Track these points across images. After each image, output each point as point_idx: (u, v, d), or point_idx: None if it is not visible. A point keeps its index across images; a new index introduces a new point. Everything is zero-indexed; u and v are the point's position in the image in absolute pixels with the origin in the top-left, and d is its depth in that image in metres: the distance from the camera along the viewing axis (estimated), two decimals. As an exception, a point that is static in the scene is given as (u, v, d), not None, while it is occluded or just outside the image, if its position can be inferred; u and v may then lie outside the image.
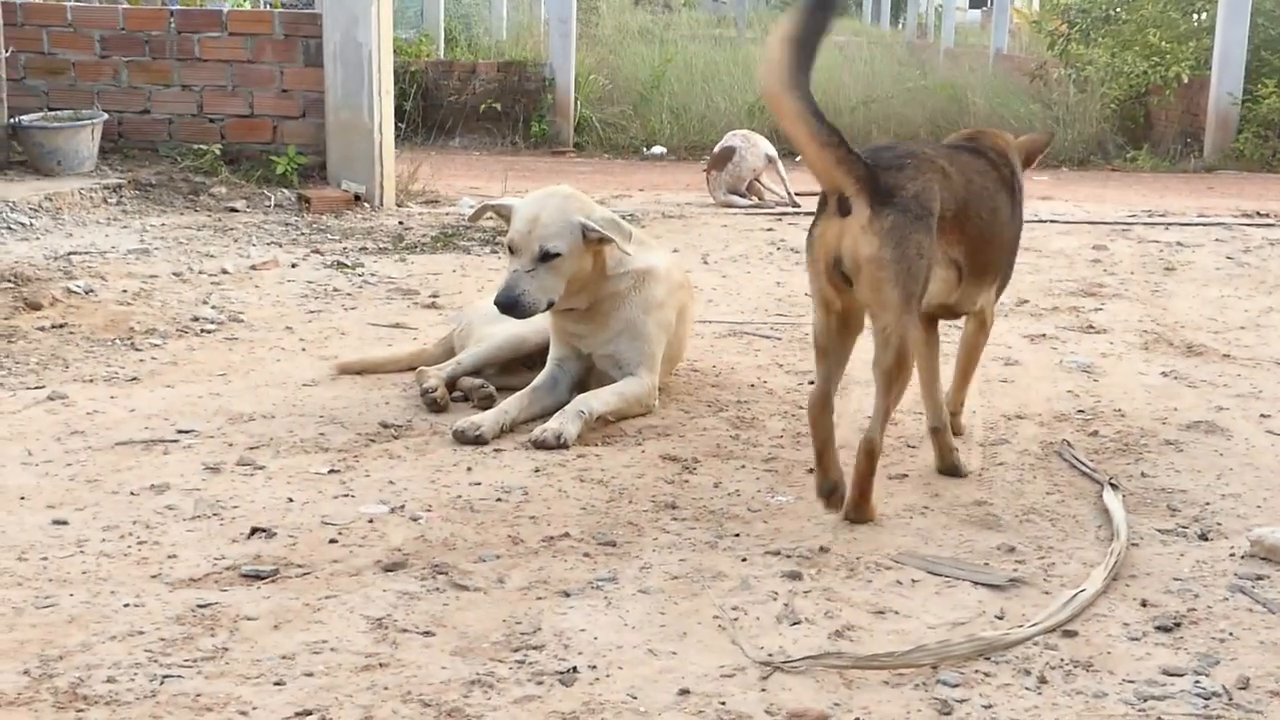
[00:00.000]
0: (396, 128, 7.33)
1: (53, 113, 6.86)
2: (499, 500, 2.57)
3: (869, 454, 2.52)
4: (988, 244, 2.68)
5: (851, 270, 2.43)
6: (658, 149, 11.08)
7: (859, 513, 2.56)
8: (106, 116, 6.93)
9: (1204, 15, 11.58)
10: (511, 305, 3.02)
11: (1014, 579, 2.28)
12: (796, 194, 7.76)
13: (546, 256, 3.05)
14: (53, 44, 7.10)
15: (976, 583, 2.25)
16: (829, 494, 2.57)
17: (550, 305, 3.10)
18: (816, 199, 2.53)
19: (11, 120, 6.68)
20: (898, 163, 2.44)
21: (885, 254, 2.37)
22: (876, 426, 2.52)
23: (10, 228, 5.54)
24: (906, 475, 2.86)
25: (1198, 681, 1.91)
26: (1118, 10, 12.23)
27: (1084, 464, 2.95)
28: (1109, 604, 2.20)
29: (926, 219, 2.45)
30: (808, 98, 2.33)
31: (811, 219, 2.54)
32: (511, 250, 3.09)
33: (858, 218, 2.39)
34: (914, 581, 2.25)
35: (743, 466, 2.84)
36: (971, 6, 24.70)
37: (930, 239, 2.46)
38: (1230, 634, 2.09)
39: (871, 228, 2.37)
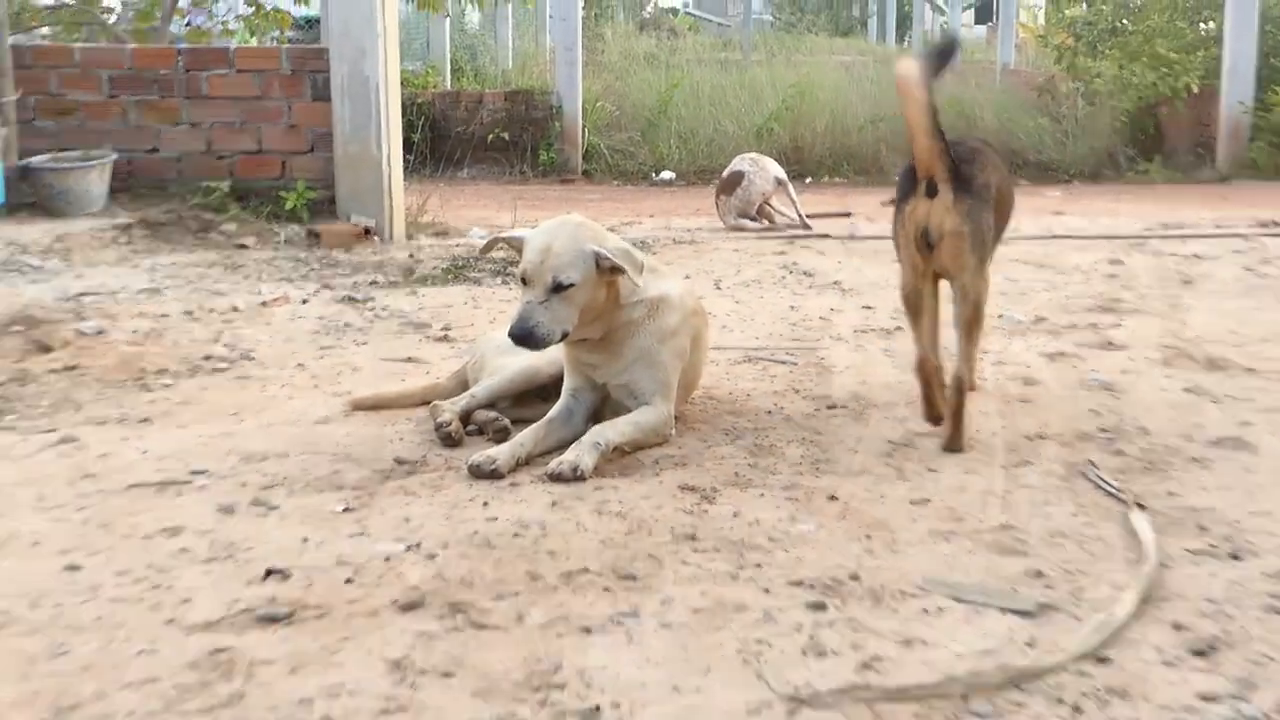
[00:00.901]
0: (405, 160, 7.30)
1: (62, 153, 6.90)
2: (516, 535, 2.54)
3: (959, 389, 3.15)
4: (1004, 219, 3.45)
5: (935, 240, 3.13)
6: (666, 174, 11.09)
7: (954, 442, 3.16)
8: (116, 156, 6.96)
9: (1211, 24, 11.56)
10: (525, 337, 3.00)
11: (1043, 604, 2.24)
12: (807, 216, 7.75)
13: (560, 287, 3.04)
14: (61, 85, 7.15)
15: (1005, 609, 2.22)
16: (934, 422, 3.28)
17: (564, 336, 3.08)
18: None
19: (22, 162, 6.72)
20: (969, 156, 3.18)
21: (964, 228, 3.10)
22: (964, 366, 3.17)
23: (21, 270, 5.54)
24: (928, 500, 2.83)
25: (1236, 706, 1.88)
26: (1124, 22, 12.22)
27: (1109, 484, 2.93)
28: (1141, 628, 2.16)
29: (990, 201, 3.21)
30: (931, 97, 3.00)
31: (903, 199, 3.16)
32: (524, 281, 3.07)
33: (943, 199, 3.10)
34: (941, 609, 2.23)
35: (762, 495, 2.82)
36: (977, 22, 24.75)
37: (991, 216, 3.22)
38: (1268, 656, 2.05)
39: (955, 208, 3.09)
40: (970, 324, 3.16)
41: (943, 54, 3.16)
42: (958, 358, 3.17)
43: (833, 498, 2.77)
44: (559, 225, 3.12)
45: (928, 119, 3.01)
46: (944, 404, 3.24)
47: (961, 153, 3.15)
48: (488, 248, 3.33)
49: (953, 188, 3.09)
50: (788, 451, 3.19)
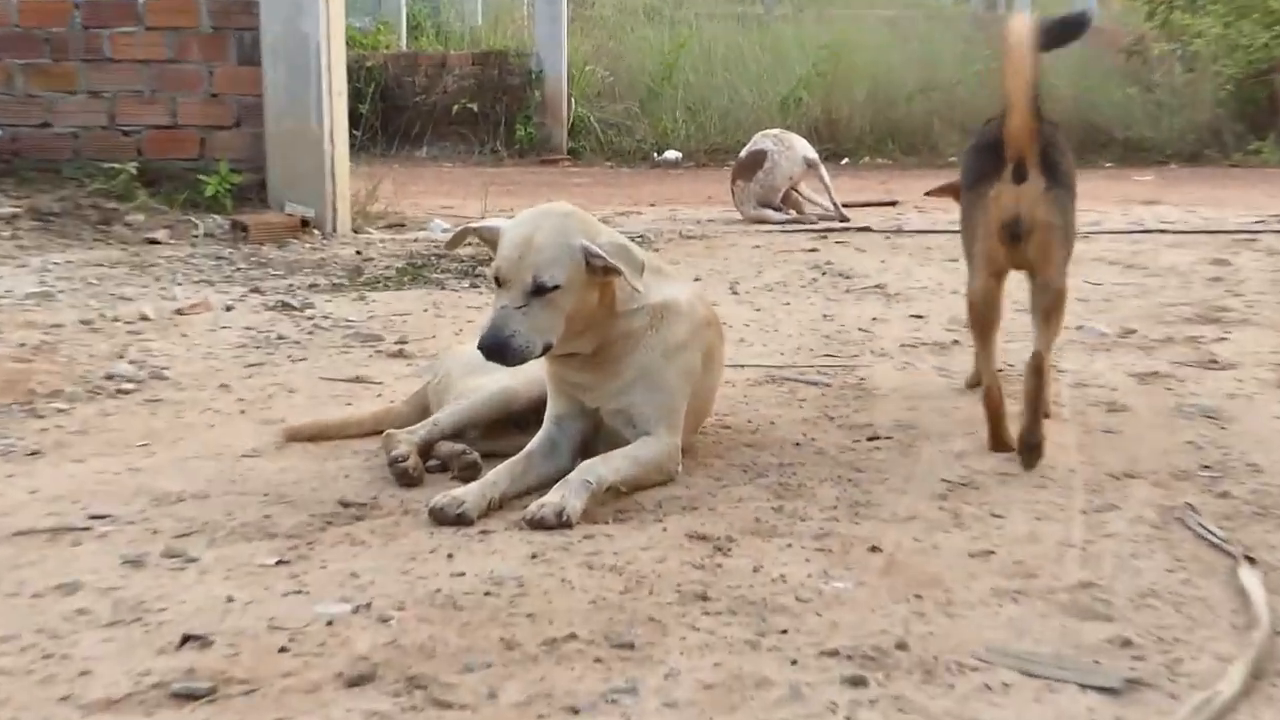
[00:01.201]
0: (352, 136, 7.41)
1: (-68, 129, 6.92)
2: (488, 594, 2.55)
3: (1037, 371, 3.28)
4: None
5: (1026, 231, 3.28)
6: (671, 154, 11.14)
7: (1033, 435, 3.27)
8: (1, 133, 6.98)
9: (1339, -26, 11.61)
10: (499, 350, 3.01)
11: (1131, 680, 2.24)
12: (844, 205, 7.77)
13: (542, 289, 3.04)
14: (-68, 45, 7.18)
15: (1084, 685, 2.22)
16: (1001, 450, 3.44)
17: (547, 349, 3.08)
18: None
19: (-118, 141, 6.76)
20: (1052, 138, 3.33)
21: (1055, 219, 3.29)
22: (1043, 349, 3.32)
23: (-121, 273, 5.58)
24: (992, 552, 2.83)
25: (1364, 806, 1.88)
26: (1231, -30, 12.29)
27: (1213, 533, 2.93)
28: (1252, 709, 2.14)
29: (1075, 191, 3.42)
30: (1037, 70, 3.17)
31: (979, 183, 3.33)
32: (499, 282, 3.08)
33: (1034, 185, 3.26)
34: (1006, 685, 2.23)
35: (788, 545, 2.83)
36: (1050, -32, 24.77)
37: (1075, 208, 3.43)
38: (1404, 743, 2.07)
39: (1046, 196, 3.26)
40: (1050, 311, 3.35)
41: (1068, 28, 3.36)
42: (1035, 341, 3.34)
43: (875, 549, 2.78)
44: (541, 215, 3.14)
45: (1030, 94, 3.15)
46: (1011, 437, 3.41)
47: (1046, 135, 3.29)
48: (455, 241, 3.35)
49: (1043, 173, 3.24)
50: (820, 492, 3.22)
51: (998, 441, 3.44)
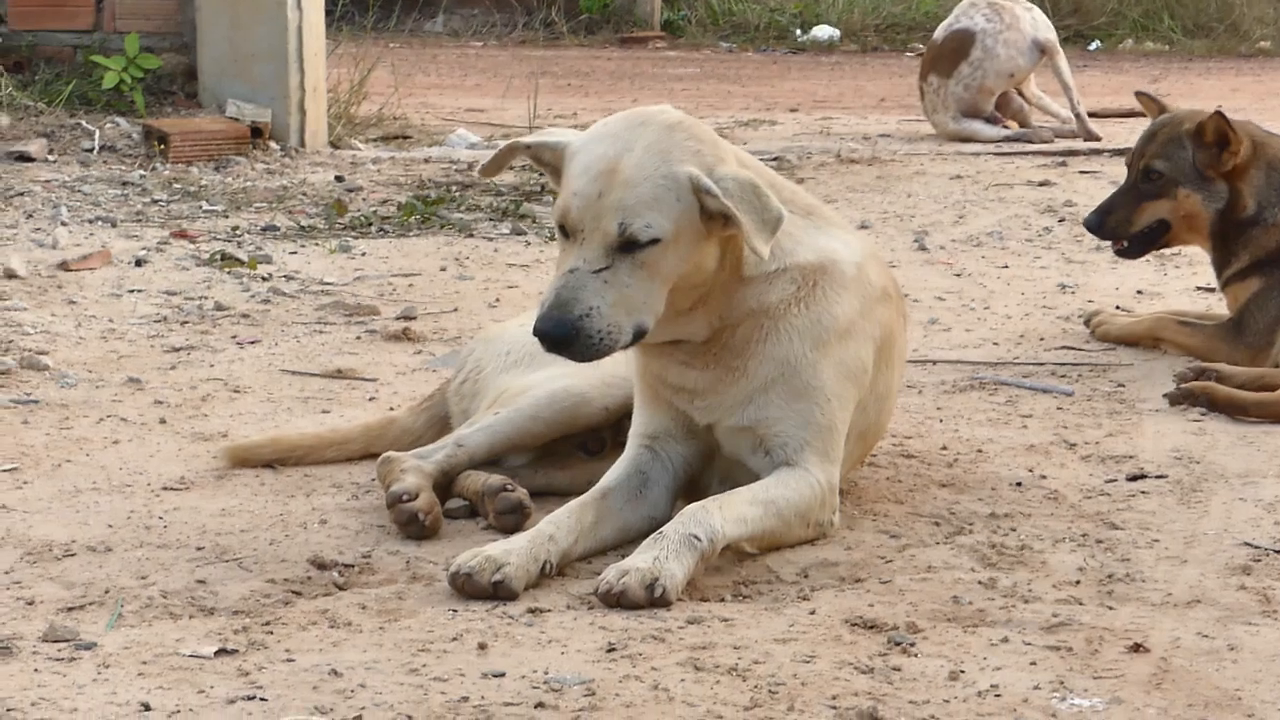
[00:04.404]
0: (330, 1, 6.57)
1: None
2: (541, 708, 2.26)
3: None
4: None
5: None
6: (824, 31, 9.94)
7: None
8: None
9: None
10: (567, 335, 2.67)
11: None
12: (1093, 115, 6.75)
13: (633, 244, 2.69)
14: None
15: None
16: None
17: (639, 336, 2.74)
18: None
19: None
20: None
21: None
22: None
23: None
24: None
25: None
26: None
27: None
28: None
29: None
30: None
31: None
32: (566, 231, 2.73)
33: None
34: None
35: (1004, 640, 2.49)
36: None
37: None
38: None
39: None
40: None
41: None
42: None
43: (1138, 648, 2.43)
44: (634, 127, 2.79)
45: None
46: None
47: None
48: (495, 165, 3.00)
49: None
50: (1053, 560, 2.85)
51: None
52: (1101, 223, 4.19)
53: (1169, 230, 4.11)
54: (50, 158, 5.86)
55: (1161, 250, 4.42)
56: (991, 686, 2.30)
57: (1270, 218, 4.02)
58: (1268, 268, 4.00)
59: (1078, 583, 2.73)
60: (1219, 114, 4.01)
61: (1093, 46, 9.49)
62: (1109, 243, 4.41)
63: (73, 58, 6.23)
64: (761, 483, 2.82)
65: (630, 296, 2.70)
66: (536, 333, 2.68)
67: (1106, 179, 6.10)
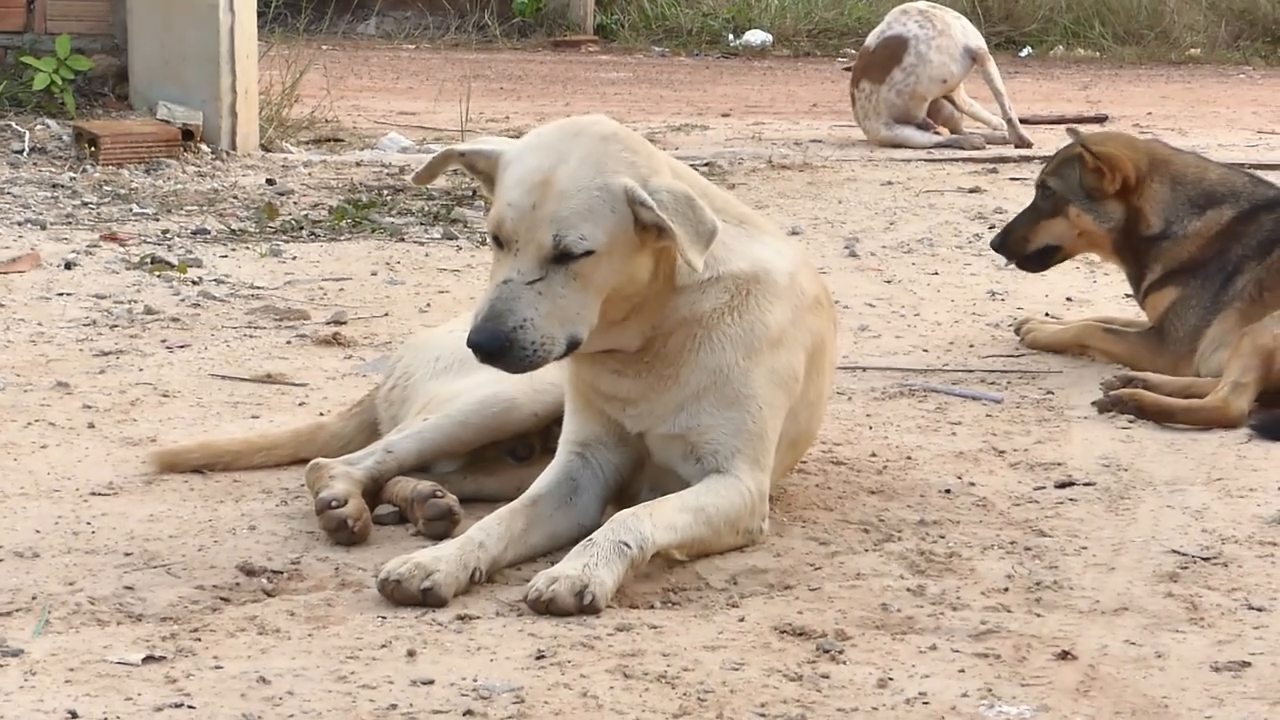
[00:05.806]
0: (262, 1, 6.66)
1: None
2: (469, 715, 2.30)
3: None
4: None
5: None
6: (756, 36, 9.92)
7: None
8: None
9: None
10: (501, 346, 2.68)
11: None
12: (1024, 121, 6.84)
13: (568, 255, 2.71)
14: None
15: None
16: None
17: (573, 347, 2.76)
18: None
19: None
20: None
21: None
22: None
23: None
24: (1246, 664, 2.45)
25: None
26: None
27: None
28: None
29: None
30: None
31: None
32: (500, 242, 2.74)
33: None
34: None
35: (933, 648, 2.53)
36: None
37: None
38: None
39: None
40: None
41: None
42: None
43: (1065, 655, 2.48)
44: (569, 136, 2.82)
45: None
46: None
47: None
48: (430, 172, 3.01)
49: None
50: (981, 567, 2.88)
51: None
52: (1003, 242, 4.31)
53: (1060, 250, 4.20)
54: (-21, 160, 5.97)
55: (1060, 265, 4.44)
56: (920, 694, 2.36)
57: (1180, 230, 4.10)
58: (1183, 276, 4.07)
59: (1006, 590, 2.76)
60: (1083, 144, 4.08)
61: (1024, 53, 9.60)
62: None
63: (3, 59, 6.28)
64: (692, 490, 2.85)
65: (564, 308, 2.73)
66: (470, 344, 2.70)
67: (1029, 185, 6.33)
